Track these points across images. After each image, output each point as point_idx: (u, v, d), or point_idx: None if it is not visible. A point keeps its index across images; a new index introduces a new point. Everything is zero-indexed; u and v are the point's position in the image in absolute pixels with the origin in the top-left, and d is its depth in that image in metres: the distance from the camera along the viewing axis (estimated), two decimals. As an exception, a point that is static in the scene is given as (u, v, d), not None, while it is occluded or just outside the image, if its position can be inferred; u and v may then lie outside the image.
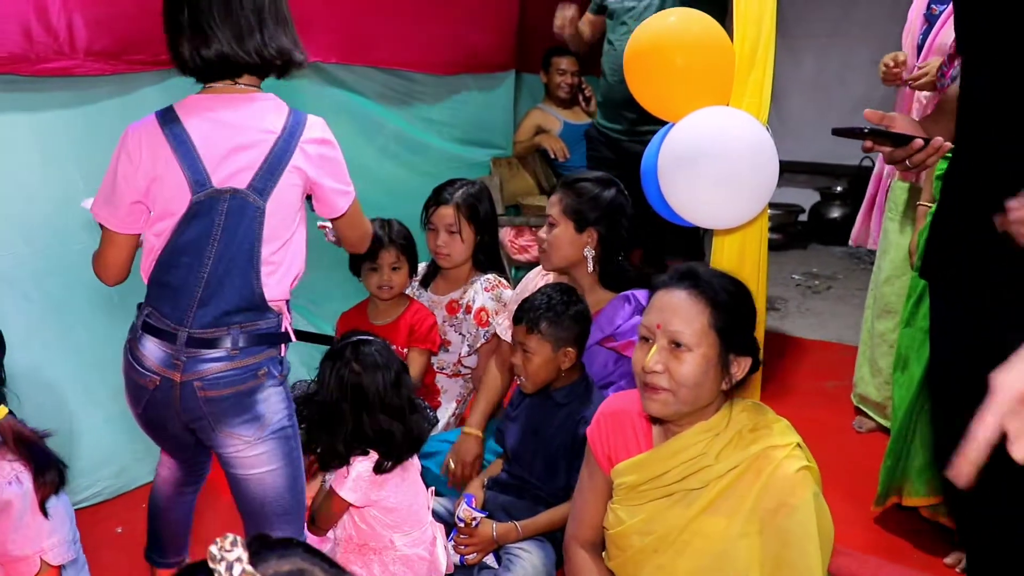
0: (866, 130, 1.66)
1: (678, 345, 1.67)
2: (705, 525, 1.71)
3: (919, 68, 2.81)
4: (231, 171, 1.63)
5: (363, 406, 2.07)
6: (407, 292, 3.00)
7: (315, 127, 1.71)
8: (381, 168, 3.80)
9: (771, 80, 2.24)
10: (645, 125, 3.37)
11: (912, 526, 2.66)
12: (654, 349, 1.69)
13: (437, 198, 2.96)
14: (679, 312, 1.68)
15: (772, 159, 2.15)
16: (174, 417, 1.71)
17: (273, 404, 1.72)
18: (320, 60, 3.33)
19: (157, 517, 2.12)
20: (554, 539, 2.32)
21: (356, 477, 2.06)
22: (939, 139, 1.61)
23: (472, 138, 4.11)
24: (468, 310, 2.96)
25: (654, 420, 1.82)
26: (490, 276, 3.00)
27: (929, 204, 2.72)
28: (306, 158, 1.67)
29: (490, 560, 2.34)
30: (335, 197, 1.76)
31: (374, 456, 2.08)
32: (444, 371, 3.10)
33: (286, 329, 1.73)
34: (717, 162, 2.08)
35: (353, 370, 2.07)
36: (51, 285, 2.40)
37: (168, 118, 1.67)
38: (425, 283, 3.11)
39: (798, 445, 1.70)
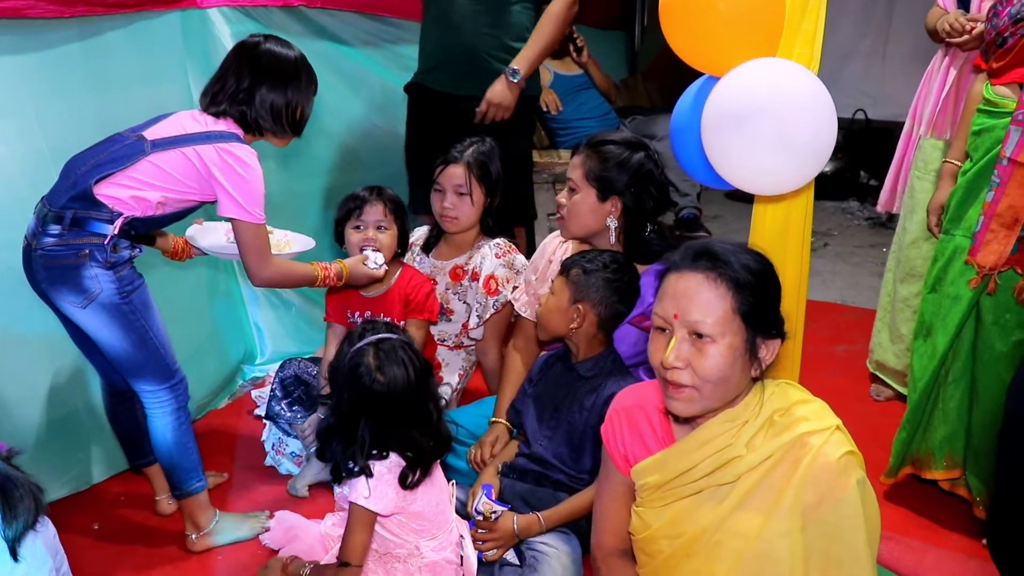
0: None
1: (699, 336, 1.49)
2: (739, 523, 1.55)
3: (971, 20, 2.61)
4: (157, 129, 2.14)
5: (386, 418, 1.86)
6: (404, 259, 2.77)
7: (239, 148, 2.13)
8: (367, 121, 3.59)
9: (823, 29, 2.03)
10: (479, 83, 3.03)
11: (930, 499, 2.55)
12: (673, 342, 1.50)
13: (445, 156, 2.72)
14: (697, 299, 1.49)
15: (833, 117, 1.94)
16: (33, 278, 2.10)
17: (101, 282, 2.05)
18: (304, 4, 3.07)
19: (115, 431, 2.48)
20: (579, 530, 2.16)
21: (377, 482, 1.84)
22: None
23: (462, 88, 3.86)
24: (475, 277, 2.74)
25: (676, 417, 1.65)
26: (500, 241, 2.78)
27: (958, 162, 2.55)
28: (214, 155, 2.10)
29: (510, 556, 2.15)
30: (223, 197, 2.13)
31: (394, 457, 1.86)
32: (446, 343, 2.90)
33: (116, 227, 2.06)
34: (777, 120, 1.87)
35: (377, 380, 1.84)
36: (14, 259, 2.14)
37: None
38: (427, 248, 2.88)
39: (837, 427, 1.53)
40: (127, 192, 2.06)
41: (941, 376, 2.43)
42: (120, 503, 2.54)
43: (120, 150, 2.09)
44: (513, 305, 2.66)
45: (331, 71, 3.36)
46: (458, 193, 2.69)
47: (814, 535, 1.49)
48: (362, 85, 3.54)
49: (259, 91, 2.19)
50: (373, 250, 2.50)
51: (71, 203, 2.04)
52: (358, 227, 2.57)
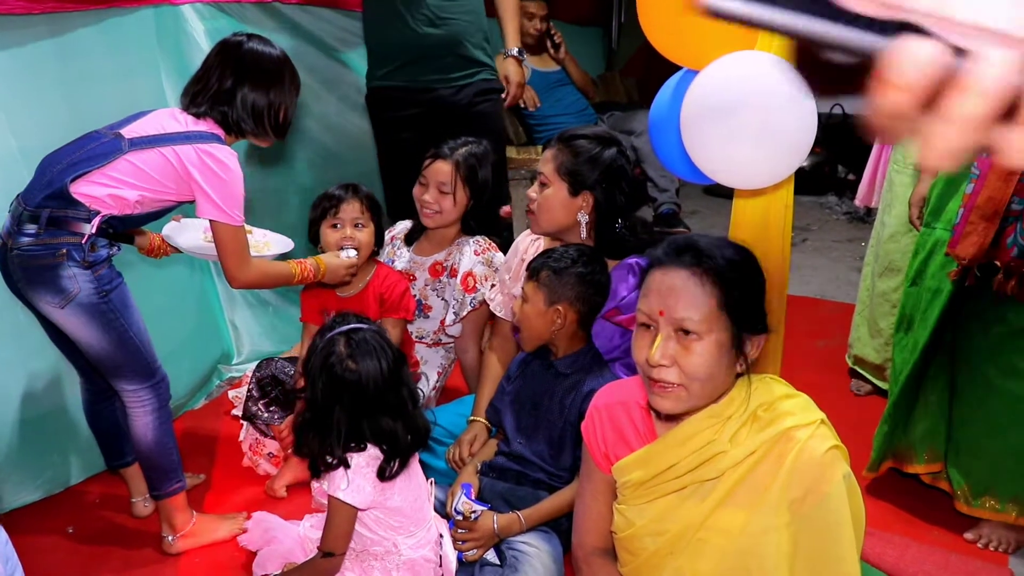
0: None
1: (686, 333, 1.47)
2: (723, 520, 1.54)
3: None
4: (135, 128, 2.08)
5: (361, 407, 1.82)
6: (380, 257, 2.74)
7: (219, 150, 2.09)
8: (343, 118, 3.56)
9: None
10: (459, 71, 3.11)
11: (912, 492, 2.55)
12: (659, 340, 1.49)
13: (436, 151, 2.70)
14: (683, 295, 1.48)
15: (813, 110, 1.94)
16: (10, 278, 2.06)
17: (79, 282, 2.01)
18: (279, 0, 3.03)
19: (94, 430, 2.43)
20: (559, 529, 2.14)
21: (355, 474, 1.81)
22: None
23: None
24: (453, 273, 2.72)
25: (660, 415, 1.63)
26: (480, 238, 2.75)
27: None
28: (194, 156, 2.06)
29: (491, 555, 2.13)
30: (202, 199, 2.09)
31: (371, 450, 1.84)
32: (424, 340, 2.87)
33: (93, 225, 2.02)
34: (758, 113, 1.85)
35: (348, 368, 1.81)
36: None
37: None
38: (409, 241, 2.86)
39: (822, 422, 1.52)
40: (104, 190, 2.02)
41: (922, 370, 2.43)
42: (96, 505, 2.50)
43: (97, 148, 2.04)
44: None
45: (306, 68, 3.31)
46: (440, 190, 2.66)
47: (800, 531, 1.48)
48: (339, 82, 3.51)
49: (241, 91, 2.15)
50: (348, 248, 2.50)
51: (47, 202, 1.99)
52: (335, 226, 2.54)
